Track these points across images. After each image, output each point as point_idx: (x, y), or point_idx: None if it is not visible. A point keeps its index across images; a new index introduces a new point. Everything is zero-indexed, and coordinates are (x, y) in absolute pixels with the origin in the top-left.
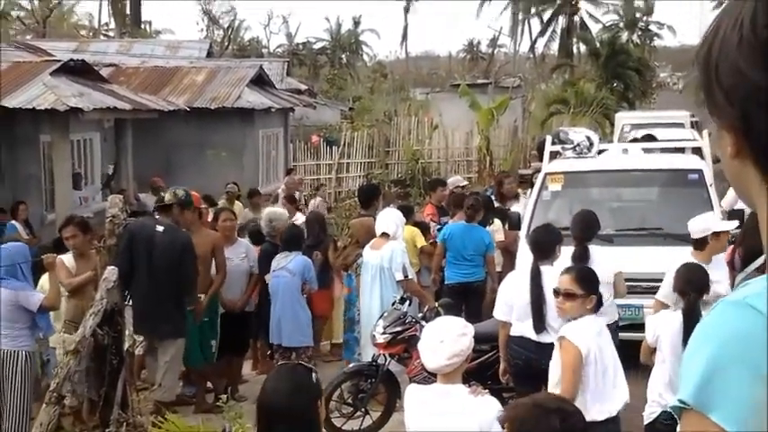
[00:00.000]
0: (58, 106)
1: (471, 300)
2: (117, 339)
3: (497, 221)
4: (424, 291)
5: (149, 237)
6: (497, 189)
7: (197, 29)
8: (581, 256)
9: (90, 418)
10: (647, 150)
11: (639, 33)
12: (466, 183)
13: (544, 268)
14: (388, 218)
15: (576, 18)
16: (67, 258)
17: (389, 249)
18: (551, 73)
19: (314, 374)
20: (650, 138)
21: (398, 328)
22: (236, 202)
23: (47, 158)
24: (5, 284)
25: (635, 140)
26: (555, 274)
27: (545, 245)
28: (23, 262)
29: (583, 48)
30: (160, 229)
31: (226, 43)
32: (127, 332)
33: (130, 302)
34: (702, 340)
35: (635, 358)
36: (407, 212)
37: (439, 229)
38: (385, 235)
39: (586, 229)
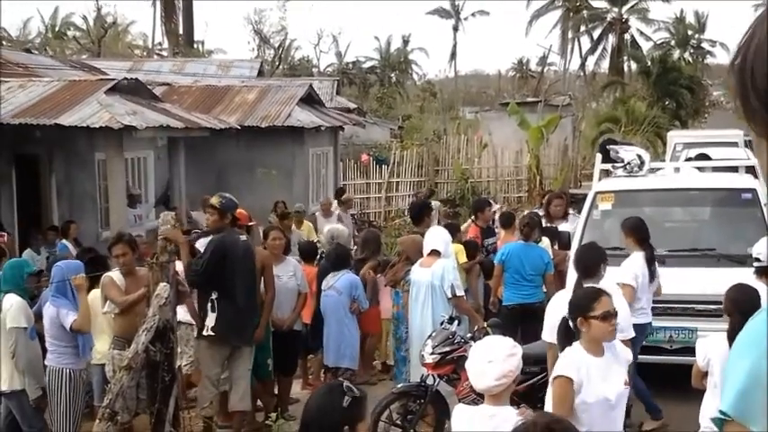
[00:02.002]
0: (113, 124)
1: (529, 321)
2: (169, 356)
3: (545, 240)
4: (474, 310)
5: (242, 247)
6: (546, 208)
7: (248, 48)
8: (653, 258)
9: None
10: (699, 169)
11: (691, 51)
12: (498, 205)
13: None
14: (438, 235)
15: (627, 36)
16: (117, 276)
17: (440, 267)
18: (602, 91)
19: (347, 398)
20: (704, 157)
21: (447, 348)
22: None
23: (101, 176)
24: (54, 302)
25: (689, 160)
26: None
27: (589, 263)
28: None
29: (633, 66)
30: (243, 237)
31: (276, 62)
32: (178, 350)
33: (216, 310)
34: (742, 351)
35: (687, 382)
36: (453, 231)
37: (486, 253)
38: (435, 252)
39: (646, 231)
